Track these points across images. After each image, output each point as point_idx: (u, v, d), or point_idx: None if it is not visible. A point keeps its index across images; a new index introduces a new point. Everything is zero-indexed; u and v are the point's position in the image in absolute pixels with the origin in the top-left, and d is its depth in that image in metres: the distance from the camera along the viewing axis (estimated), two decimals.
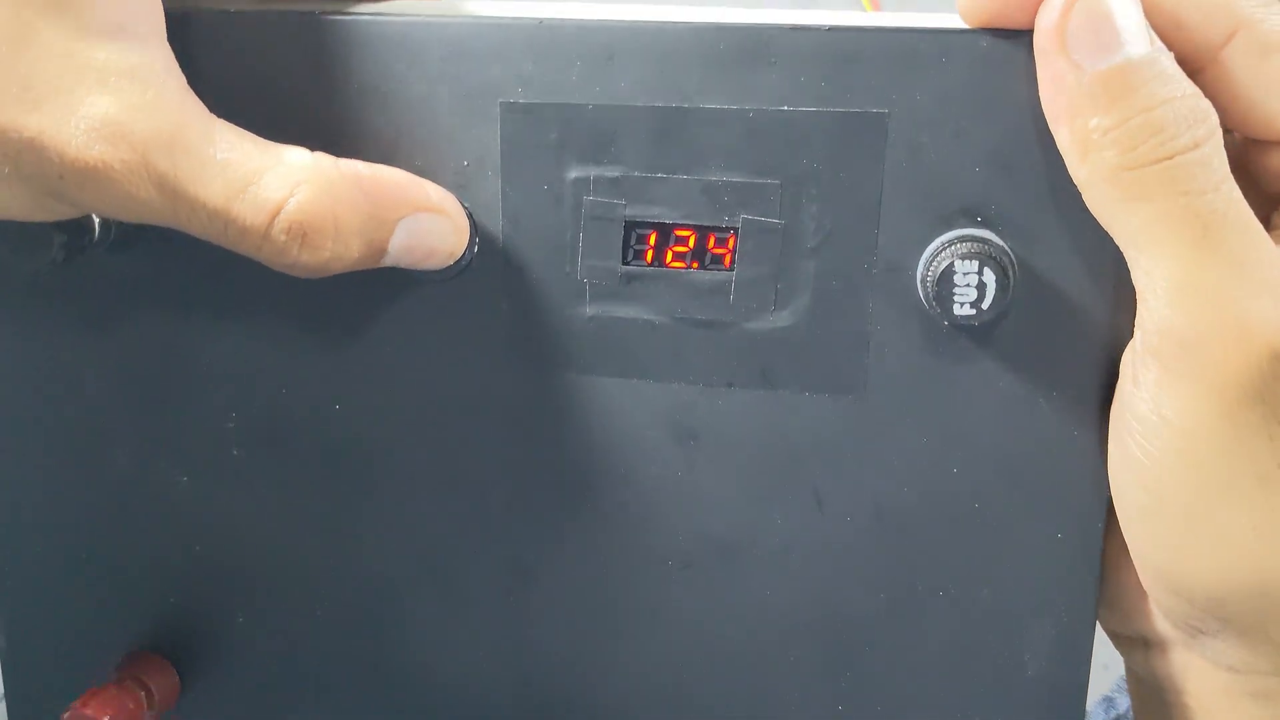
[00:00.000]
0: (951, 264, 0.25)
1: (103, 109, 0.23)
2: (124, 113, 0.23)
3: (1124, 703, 0.47)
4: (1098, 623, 0.28)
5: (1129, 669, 0.31)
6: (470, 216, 0.27)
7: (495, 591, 0.30)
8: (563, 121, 0.27)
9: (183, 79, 0.25)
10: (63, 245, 0.27)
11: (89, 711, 0.30)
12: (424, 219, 0.26)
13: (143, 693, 0.31)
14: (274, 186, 0.24)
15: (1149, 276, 0.23)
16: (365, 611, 0.31)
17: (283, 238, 0.24)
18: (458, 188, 0.27)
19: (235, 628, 0.32)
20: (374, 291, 0.28)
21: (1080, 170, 0.23)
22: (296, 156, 0.25)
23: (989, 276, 0.25)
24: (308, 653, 0.32)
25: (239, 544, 0.31)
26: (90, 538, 0.31)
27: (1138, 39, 0.22)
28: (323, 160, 0.25)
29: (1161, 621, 0.27)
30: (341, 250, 0.25)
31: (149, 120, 0.23)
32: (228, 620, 0.32)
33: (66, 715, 0.30)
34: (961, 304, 0.25)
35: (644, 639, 0.30)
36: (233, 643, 0.32)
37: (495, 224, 0.28)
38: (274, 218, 0.24)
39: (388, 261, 0.26)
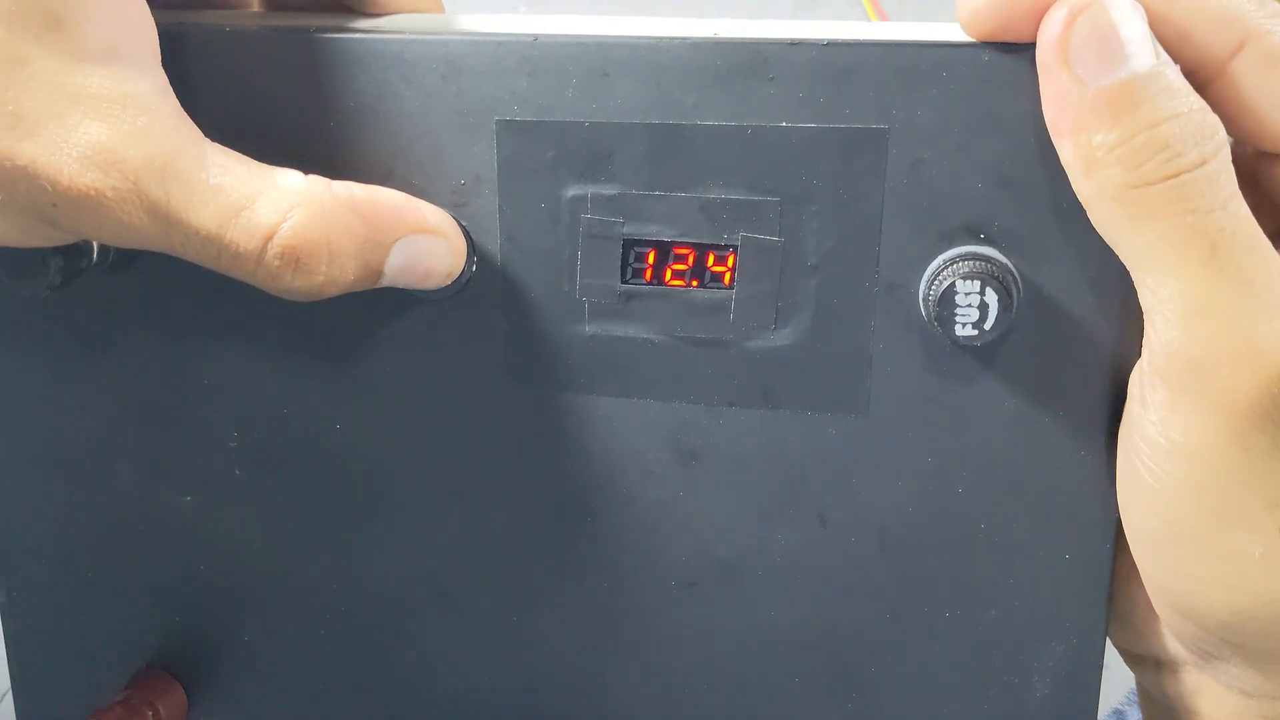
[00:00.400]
0: (953, 284, 0.24)
1: (95, 136, 0.23)
2: (116, 140, 0.23)
3: (1134, 716, 0.47)
4: (1108, 640, 0.28)
5: (1140, 687, 0.30)
6: (468, 235, 0.27)
7: (498, 610, 0.30)
8: (559, 139, 0.26)
9: (176, 103, 0.24)
10: (59, 269, 0.27)
11: None
12: (420, 240, 0.26)
13: (150, 711, 0.31)
14: (267, 211, 0.24)
15: (1156, 296, 0.22)
16: (369, 630, 0.31)
17: (276, 263, 0.24)
18: (455, 206, 0.27)
19: (241, 646, 0.32)
20: (373, 311, 0.28)
21: (1084, 187, 0.23)
22: (290, 180, 0.25)
23: (991, 297, 0.24)
24: (313, 671, 0.32)
25: (243, 563, 0.31)
26: (96, 558, 0.32)
27: (1143, 52, 0.22)
28: (316, 183, 0.25)
29: (1173, 642, 0.27)
30: (336, 274, 0.25)
31: (141, 147, 0.23)
32: (234, 638, 0.32)
33: None
34: (963, 324, 0.24)
35: (647, 659, 0.30)
36: (239, 660, 0.32)
37: (493, 242, 0.27)
38: (267, 243, 0.24)
39: (384, 283, 0.26)
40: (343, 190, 0.25)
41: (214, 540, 0.31)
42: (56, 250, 0.26)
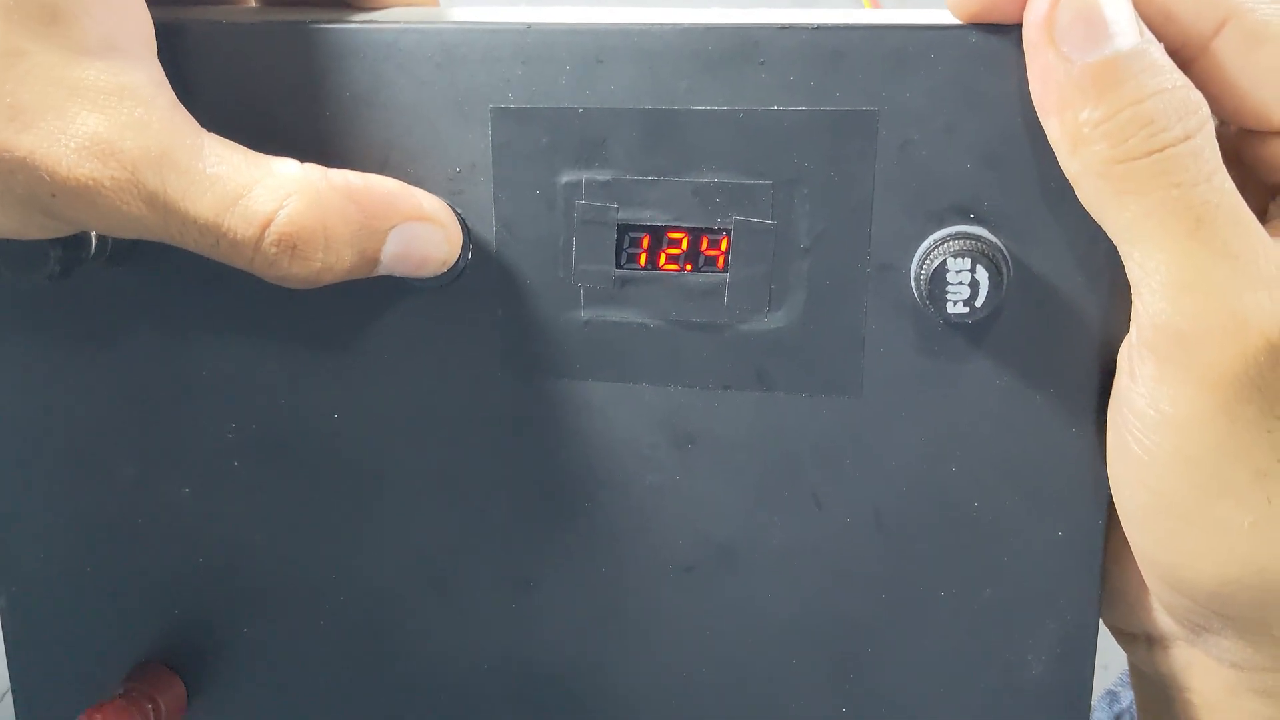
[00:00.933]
0: (944, 262, 0.25)
1: (92, 127, 0.23)
2: (113, 131, 0.23)
3: (1127, 697, 0.47)
4: (1100, 619, 0.28)
5: (1132, 665, 0.30)
6: (463, 223, 0.27)
7: (497, 598, 0.30)
8: (553, 126, 0.27)
9: (172, 95, 0.25)
10: (59, 259, 0.27)
11: None
12: (416, 228, 0.26)
13: (150, 705, 0.31)
14: (264, 199, 0.24)
15: (1143, 270, 0.23)
16: (368, 621, 0.31)
17: (273, 250, 0.24)
18: (450, 194, 0.27)
19: (240, 638, 0.32)
20: (369, 300, 0.29)
21: (1071, 164, 0.23)
22: (286, 168, 0.25)
23: (981, 274, 0.24)
24: (312, 663, 0.32)
25: (242, 555, 0.31)
26: (95, 551, 0.32)
27: (1127, 31, 0.22)
28: (312, 171, 0.25)
29: (1164, 617, 0.27)
30: (333, 261, 0.25)
31: (138, 138, 0.23)
32: (233, 631, 0.32)
33: None
34: (955, 302, 0.25)
35: (645, 644, 0.30)
36: (238, 654, 0.32)
37: (489, 230, 0.28)
38: (264, 230, 0.24)
39: (380, 271, 0.26)
40: (339, 178, 0.25)
41: (212, 532, 0.31)
42: (56, 241, 0.27)
